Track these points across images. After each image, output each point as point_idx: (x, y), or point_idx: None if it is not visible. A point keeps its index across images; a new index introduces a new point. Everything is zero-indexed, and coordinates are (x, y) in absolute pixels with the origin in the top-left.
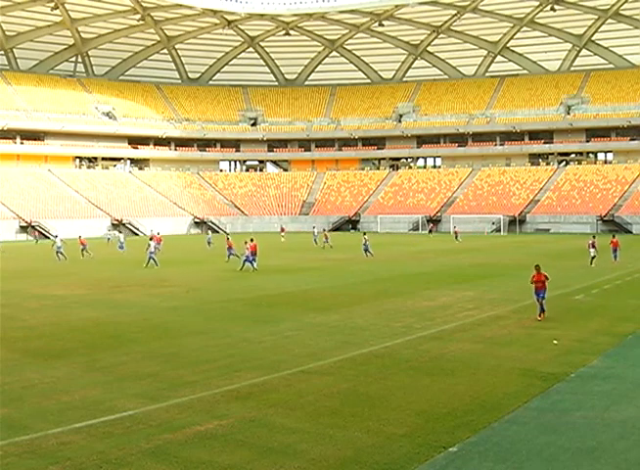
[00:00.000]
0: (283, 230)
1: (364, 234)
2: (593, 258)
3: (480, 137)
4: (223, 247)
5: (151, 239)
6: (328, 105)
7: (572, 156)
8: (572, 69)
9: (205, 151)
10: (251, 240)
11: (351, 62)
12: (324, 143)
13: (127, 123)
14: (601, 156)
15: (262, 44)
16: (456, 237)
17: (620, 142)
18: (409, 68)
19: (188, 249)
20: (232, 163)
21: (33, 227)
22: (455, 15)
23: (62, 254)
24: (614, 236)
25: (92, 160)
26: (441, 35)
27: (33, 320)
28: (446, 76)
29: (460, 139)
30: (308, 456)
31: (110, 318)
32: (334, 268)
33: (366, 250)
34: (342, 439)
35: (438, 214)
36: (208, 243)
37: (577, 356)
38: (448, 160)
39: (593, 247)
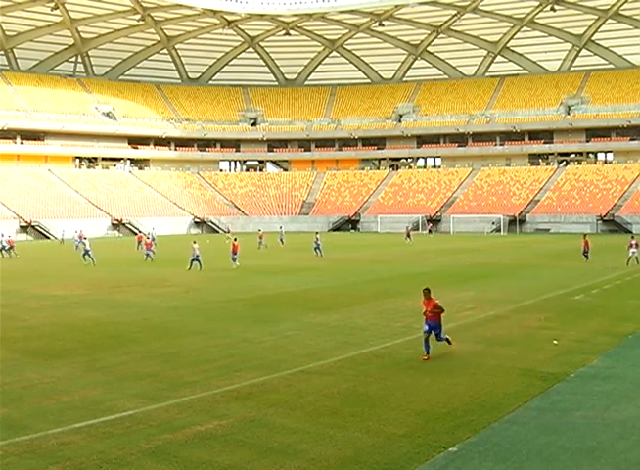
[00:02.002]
0: (229, 231)
1: (316, 233)
2: (630, 258)
3: (480, 137)
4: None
5: (80, 237)
6: (328, 105)
7: (572, 156)
8: (572, 69)
9: (205, 151)
10: (235, 239)
11: (351, 62)
12: (324, 143)
13: (127, 123)
14: (601, 156)
15: (262, 44)
16: (407, 236)
17: (620, 142)
18: (409, 68)
19: (187, 249)
20: (232, 163)
21: (33, 227)
22: (455, 15)
23: (6, 251)
24: (585, 236)
25: (92, 160)
26: (441, 35)
27: (33, 320)
28: (446, 76)
29: (460, 139)
30: (308, 456)
31: (110, 318)
32: (333, 268)
33: (317, 248)
34: (342, 439)
35: (438, 214)
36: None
37: (577, 356)
38: (448, 160)
39: (636, 246)
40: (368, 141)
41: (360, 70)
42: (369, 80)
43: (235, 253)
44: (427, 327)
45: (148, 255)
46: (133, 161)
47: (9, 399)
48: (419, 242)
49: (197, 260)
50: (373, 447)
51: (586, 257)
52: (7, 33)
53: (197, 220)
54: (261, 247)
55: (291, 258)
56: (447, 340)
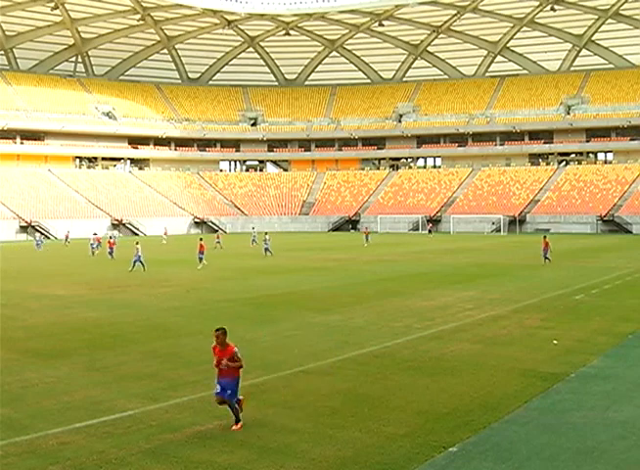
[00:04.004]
0: (165, 233)
1: (266, 233)
2: None
3: (480, 137)
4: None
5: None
6: (328, 105)
7: (572, 156)
8: (572, 69)
9: (205, 151)
10: (200, 239)
11: (351, 62)
12: (324, 143)
13: (127, 123)
14: (601, 156)
15: (262, 44)
16: (366, 239)
17: (620, 142)
18: (409, 68)
19: (187, 249)
20: (232, 163)
21: (33, 227)
22: (455, 15)
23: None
24: (545, 237)
25: (92, 160)
26: (441, 35)
27: (33, 320)
28: (446, 76)
29: (460, 139)
30: (308, 456)
31: (110, 318)
32: (334, 268)
33: (266, 249)
34: (342, 439)
35: (438, 214)
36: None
37: (577, 356)
38: (448, 160)
39: None
40: (368, 141)
41: (360, 70)
42: (369, 80)
43: (202, 253)
44: (219, 387)
45: (110, 254)
46: (133, 161)
47: (9, 399)
48: (417, 242)
49: (139, 261)
50: (373, 447)
51: (547, 258)
52: (7, 33)
53: (197, 220)
54: (217, 246)
55: (291, 258)
56: (237, 413)
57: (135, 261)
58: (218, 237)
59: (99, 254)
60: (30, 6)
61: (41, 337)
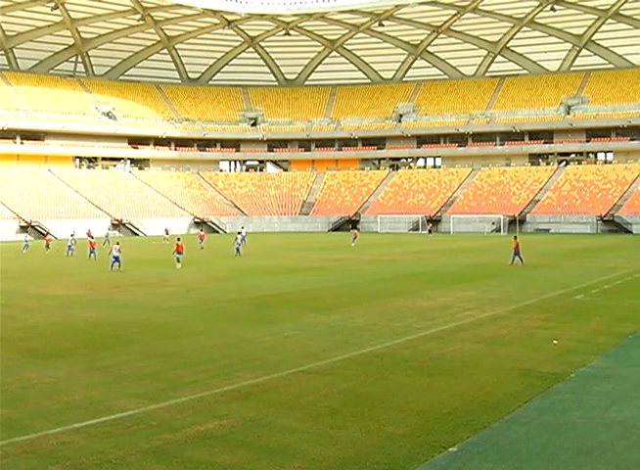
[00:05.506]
0: (167, 232)
1: (238, 233)
2: None
3: (480, 137)
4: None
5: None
6: (328, 105)
7: (572, 156)
8: (572, 69)
9: (205, 151)
10: (178, 239)
11: (351, 62)
12: (324, 143)
13: (127, 123)
14: (601, 156)
15: (262, 44)
16: (354, 239)
17: (620, 142)
18: (409, 68)
19: (187, 249)
20: (232, 163)
21: (29, 227)
22: (455, 15)
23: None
24: (515, 237)
25: (92, 160)
26: (441, 35)
27: (33, 320)
28: (446, 76)
29: (460, 139)
30: (308, 456)
31: (110, 318)
32: (334, 268)
33: (237, 248)
34: (342, 439)
35: (438, 214)
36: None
37: (577, 356)
38: (448, 160)
39: None
40: (368, 141)
41: (360, 70)
42: (369, 80)
43: (180, 253)
44: None
45: (92, 253)
46: (133, 161)
47: (9, 399)
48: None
49: (117, 261)
50: (373, 447)
51: (520, 259)
52: (7, 33)
53: (197, 220)
54: (198, 246)
55: (293, 258)
56: None
57: (113, 262)
58: (201, 237)
59: (75, 254)
60: (30, 6)
61: (41, 337)
